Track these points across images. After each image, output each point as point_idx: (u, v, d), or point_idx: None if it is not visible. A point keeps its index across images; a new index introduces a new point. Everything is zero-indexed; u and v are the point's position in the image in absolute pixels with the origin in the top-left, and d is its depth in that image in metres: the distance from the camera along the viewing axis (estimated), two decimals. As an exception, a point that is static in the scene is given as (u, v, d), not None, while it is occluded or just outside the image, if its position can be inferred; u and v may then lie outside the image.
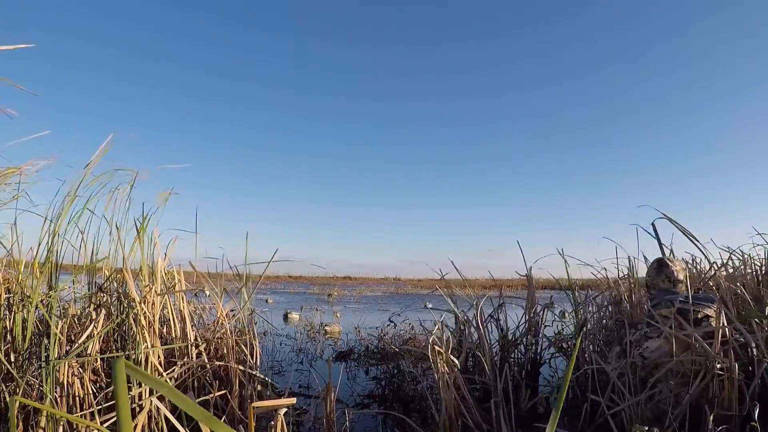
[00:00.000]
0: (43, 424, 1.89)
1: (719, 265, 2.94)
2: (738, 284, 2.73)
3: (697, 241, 2.75)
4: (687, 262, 3.10)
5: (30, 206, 2.46)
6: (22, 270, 2.49)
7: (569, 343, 3.32)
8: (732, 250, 3.04)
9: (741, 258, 2.98)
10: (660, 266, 2.52)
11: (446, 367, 2.22)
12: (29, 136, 2.32)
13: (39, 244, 2.36)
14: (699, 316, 2.19)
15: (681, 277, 2.46)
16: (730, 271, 2.98)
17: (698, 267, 3.13)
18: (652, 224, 2.95)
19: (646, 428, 1.88)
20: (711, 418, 1.86)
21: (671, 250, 3.04)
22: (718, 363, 1.99)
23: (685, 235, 2.74)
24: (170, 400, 0.39)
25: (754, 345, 2.06)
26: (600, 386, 2.39)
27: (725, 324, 2.08)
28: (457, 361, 2.32)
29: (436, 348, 2.25)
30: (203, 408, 0.41)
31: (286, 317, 7.80)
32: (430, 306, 3.29)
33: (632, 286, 3.02)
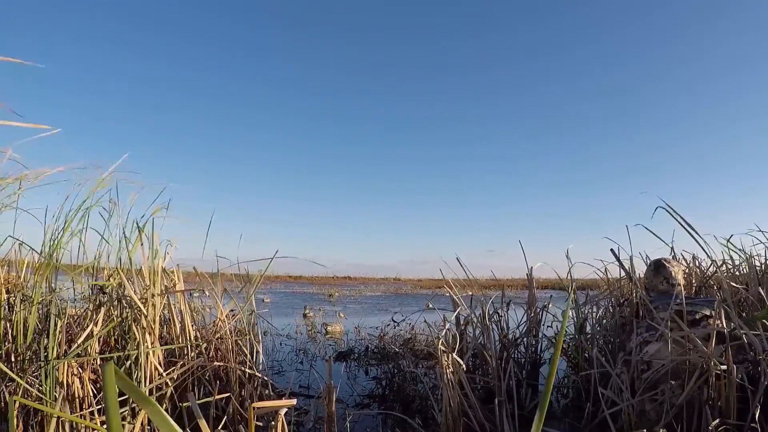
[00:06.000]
0: (42, 423, 1.89)
1: (719, 263, 2.92)
2: (740, 283, 2.71)
3: (698, 234, 2.73)
4: (687, 261, 3.09)
5: (31, 207, 2.46)
6: (23, 270, 2.49)
7: (569, 343, 3.31)
8: (733, 249, 3.02)
9: (741, 257, 2.96)
10: (657, 267, 2.51)
11: (451, 366, 2.21)
12: (37, 135, 2.31)
13: (42, 245, 2.36)
14: (697, 317, 2.18)
15: (680, 278, 2.45)
16: (732, 270, 2.97)
17: (700, 266, 3.11)
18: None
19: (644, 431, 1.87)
20: (713, 423, 1.85)
21: (672, 248, 3.03)
22: (714, 364, 1.97)
23: (685, 229, 2.71)
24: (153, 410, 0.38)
25: (761, 347, 2.02)
26: (602, 386, 2.39)
27: (724, 324, 2.07)
28: (461, 361, 2.32)
29: (441, 348, 2.24)
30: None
31: (305, 316, 8.21)
32: (432, 306, 3.29)
33: (631, 286, 3.01)
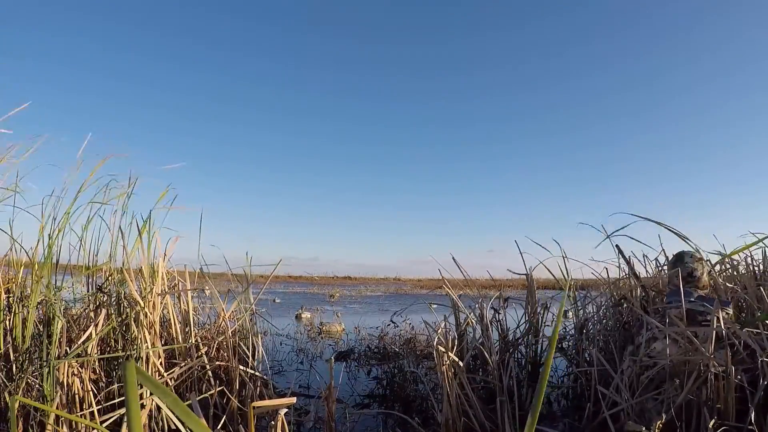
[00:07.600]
0: (43, 423, 1.89)
1: (713, 264, 2.91)
2: (737, 283, 2.71)
3: (687, 238, 2.72)
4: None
5: (27, 206, 2.46)
6: (21, 270, 2.48)
7: (569, 342, 3.31)
8: (723, 254, 3.02)
9: (738, 259, 2.96)
10: (676, 260, 2.45)
11: (450, 366, 2.21)
12: (24, 137, 2.32)
13: (36, 242, 2.35)
14: (708, 317, 2.15)
15: (699, 274, 2.38)
16: (730, 270, 2.96)
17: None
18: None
19: (643, 428, 1.87)
20: (711, 424, 1.84)
21: (663, 250, 3.02)
22: (712, 365, 1.96)
23: (671, 231, 2.71)
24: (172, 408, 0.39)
25: (760, 349, 1.98)
26: (602, 386, 2.38)
27: (722, 325, 2.05)
28: (459, 361, 2.31)
29: (440, 348, 2.24)
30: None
31: (298, 317, 7.94)
32: (435, 306, 3.28)
33: (631, 284, 3.01)
